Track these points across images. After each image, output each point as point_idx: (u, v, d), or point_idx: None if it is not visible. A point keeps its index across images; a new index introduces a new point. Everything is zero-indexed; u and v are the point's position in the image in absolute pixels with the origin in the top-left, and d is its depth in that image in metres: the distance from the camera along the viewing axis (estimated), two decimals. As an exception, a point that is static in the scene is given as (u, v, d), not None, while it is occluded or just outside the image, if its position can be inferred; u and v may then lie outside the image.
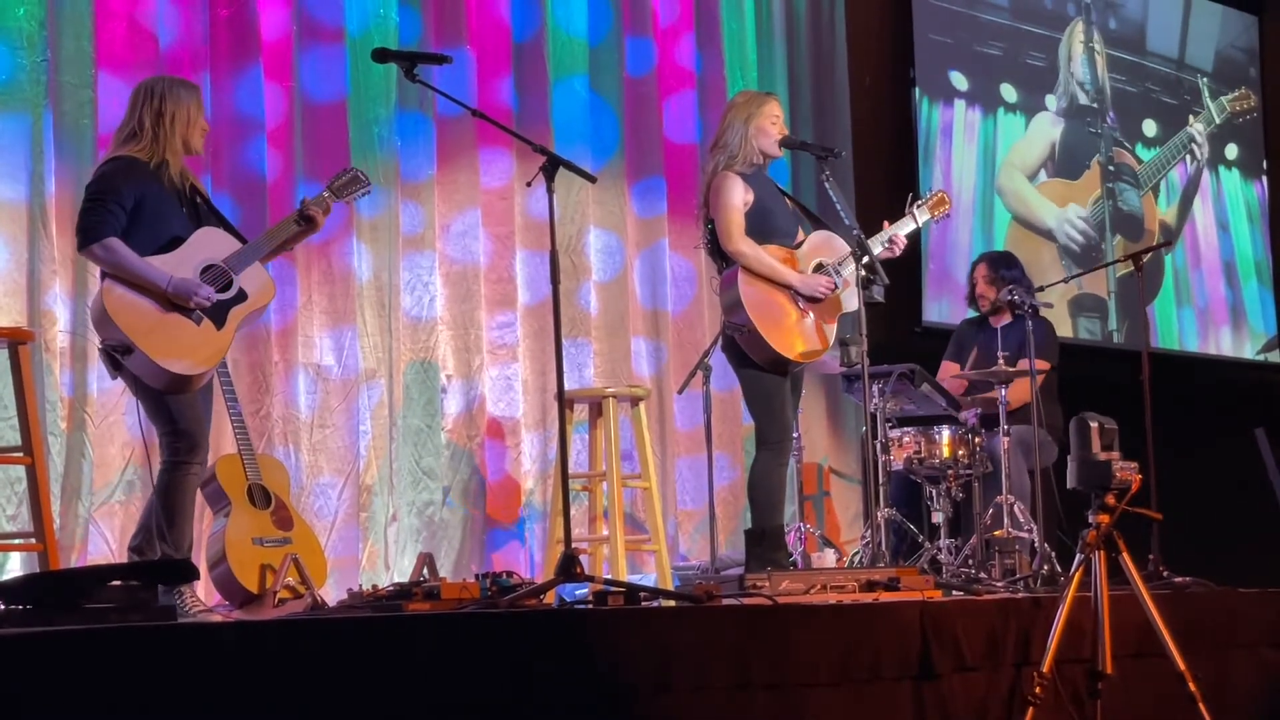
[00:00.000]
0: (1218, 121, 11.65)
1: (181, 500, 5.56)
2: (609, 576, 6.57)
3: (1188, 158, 11.44)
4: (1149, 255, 7.85)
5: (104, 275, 5.56)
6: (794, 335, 6.21)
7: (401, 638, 3.93)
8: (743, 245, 6.20)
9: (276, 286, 6.16)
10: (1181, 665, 5.04)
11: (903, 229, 6.53)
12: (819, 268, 6.33)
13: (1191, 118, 11.52)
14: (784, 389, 6.24)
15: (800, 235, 6.42)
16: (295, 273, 7.12)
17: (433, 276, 7.57)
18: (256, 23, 7.11)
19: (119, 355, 5.44)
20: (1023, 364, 7.09)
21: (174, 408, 5.54)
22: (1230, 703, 5.70)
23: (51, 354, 6.48)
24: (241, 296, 5.67)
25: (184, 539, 5.58)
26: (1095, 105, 10.86)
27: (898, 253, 6.50)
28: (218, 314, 5.60)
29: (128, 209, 5.53)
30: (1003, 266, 7.92)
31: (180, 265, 5.55)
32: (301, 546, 6.04)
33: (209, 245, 5.65)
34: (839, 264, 6.33)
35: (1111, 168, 10.85)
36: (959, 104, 10.05)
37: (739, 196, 6.23)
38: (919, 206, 6.65)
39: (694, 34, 8.75)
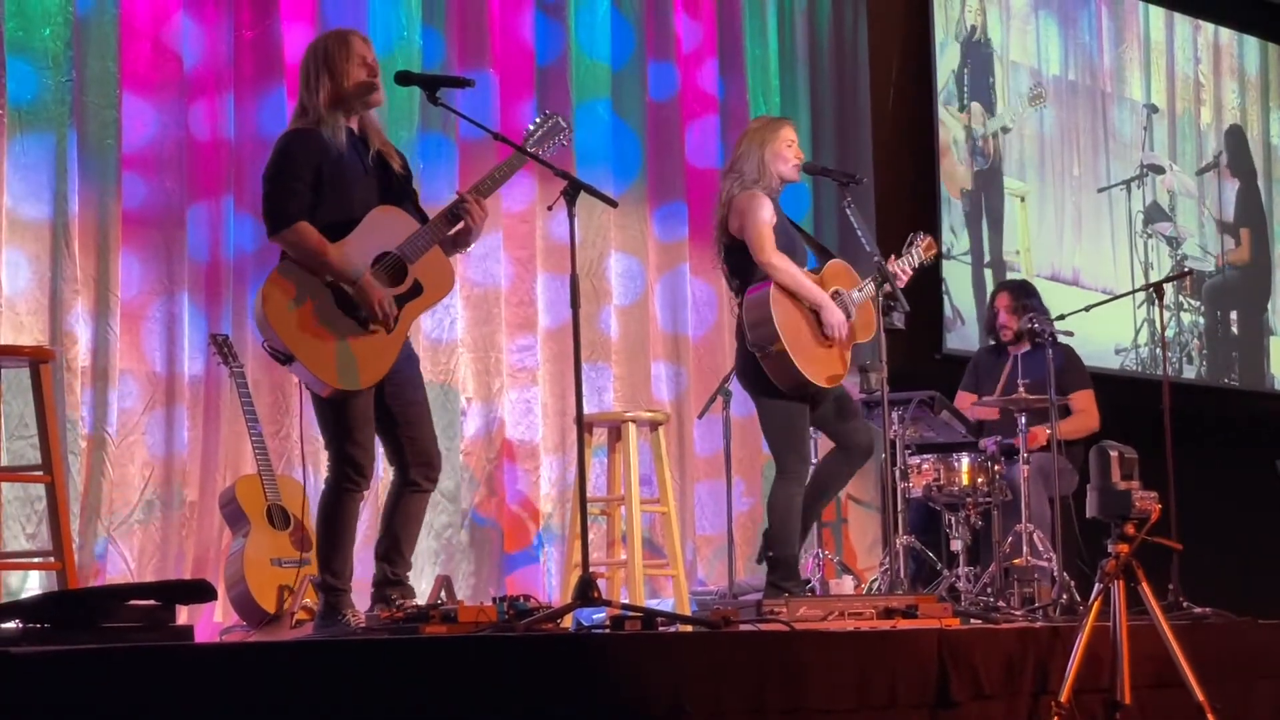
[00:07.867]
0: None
1: (342, 524, 5.13)
2: (626, 601, 6.55)
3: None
4: (1170, 283, 7.85)
5: (277, 267, 5.04)
6: (819, 359, 6.12)
7: (418, 660, 3.93)
8: (775, 258, 6.09)
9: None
10: (1200, 696, 5.01)
11: (901, 267, 6.47)
12: (835, 295, 6.30)
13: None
14: (805, 416, 6.17)
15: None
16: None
17: (453, 299, 7.57)
18: (280, 44, 7.12)
19: (281, 361, 5.01)
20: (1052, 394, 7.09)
21: (344, 422, 5.07)
22: (1250, 735, 5.69)
23: (72, 373, 6.49)
24: (416, 291, 5.10)
25: (346, 567, 5.12)
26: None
27: (899, 285, 6.47)
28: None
29: (309, 185, 5.01)
30: (1023, 295, 7.94)
31: (351, 255, 5.01)
32: (319, 568, 6.03)
33: (384, 228, 5.08)
34: (856, 293, 6.31)
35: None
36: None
37: (769, 212, 6.16)
38: (912, 249, 6.57)
39: (717, 59, 8.76)
